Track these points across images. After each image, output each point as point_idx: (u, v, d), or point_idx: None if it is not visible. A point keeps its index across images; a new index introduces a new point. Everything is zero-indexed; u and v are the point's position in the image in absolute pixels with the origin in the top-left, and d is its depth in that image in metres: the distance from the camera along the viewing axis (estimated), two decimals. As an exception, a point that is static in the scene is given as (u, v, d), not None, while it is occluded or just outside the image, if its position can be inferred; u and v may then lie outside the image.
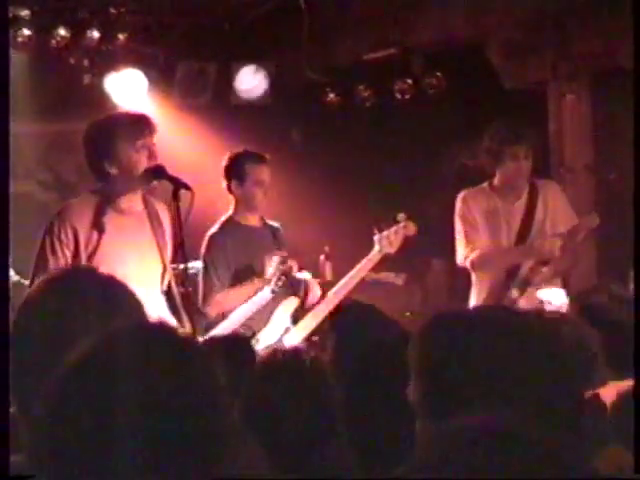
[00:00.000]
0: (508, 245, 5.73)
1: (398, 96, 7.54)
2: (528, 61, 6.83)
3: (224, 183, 5.82)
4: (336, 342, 3.71)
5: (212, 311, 5.53)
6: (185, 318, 4.69)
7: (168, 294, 4.82)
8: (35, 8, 6.66)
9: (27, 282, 5.63)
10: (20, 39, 6.63)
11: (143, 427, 1.55)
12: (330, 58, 7.68)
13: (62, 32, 6.78)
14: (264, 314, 5.61)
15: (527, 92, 6.99)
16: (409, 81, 7.46)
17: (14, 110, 5.34)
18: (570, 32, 6.55)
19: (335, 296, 5.72)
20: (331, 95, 7.72)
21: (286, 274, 5.45)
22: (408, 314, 6.91)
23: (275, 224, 5.96)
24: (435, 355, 2.02)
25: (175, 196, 4.75)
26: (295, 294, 5.73)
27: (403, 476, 1.37)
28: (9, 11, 6.22)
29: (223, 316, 5.57)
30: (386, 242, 5.74)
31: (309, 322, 5.60)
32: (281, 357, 2.86)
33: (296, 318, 5.68)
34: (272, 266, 5.46)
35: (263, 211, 5.87)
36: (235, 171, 5.78)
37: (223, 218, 5.83)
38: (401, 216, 5.79)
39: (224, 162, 5.83)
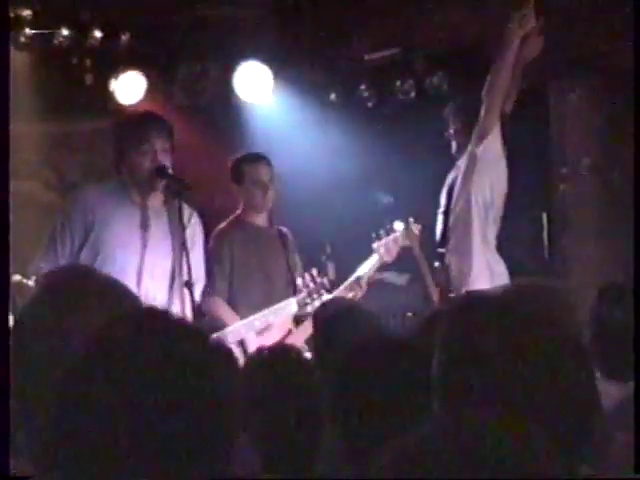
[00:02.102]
0: None
1: (400, 96, 7.53)
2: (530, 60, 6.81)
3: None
4: (319, 339, 3.72)
5: (205, 306, 5.52)
6: (188, 318, 4.72)
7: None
8: (37, 8, 6.66)
9: (29, 282, 5.65)
10: (22, 39, 6.63)
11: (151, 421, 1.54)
12: (332, 58, 7.68)
13: (64, 32, 6.78)
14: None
15: (529, 92, 6.99)
16: (411, 81, 7.45)
17: (17, 110, 5.37)
18: (572, 31, 6.55)
19: None
20: (332, 95, 7.71)
21: (325, 288, 5.45)
22: (410, 314, 6.91)
23: (283, 229, 6.00)
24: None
25: (177, 196, 4.81)
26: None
27: (396, 475, 1.36)
28: (11, 11, 6.23)
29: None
30: (384, 250, 5.78)
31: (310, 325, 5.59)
32: (266, 356, 2.86)
33: (298, 321, 5.69)
34: (305, 278, 5.49)
35: (268, 211, 5.92)
36: (234, 174, 5.91)
37: (232, 216, 5.90)
38: (399, 224, 5.82)
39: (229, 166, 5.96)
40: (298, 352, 3.07)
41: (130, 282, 4.68)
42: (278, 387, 2.75)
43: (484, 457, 1.29)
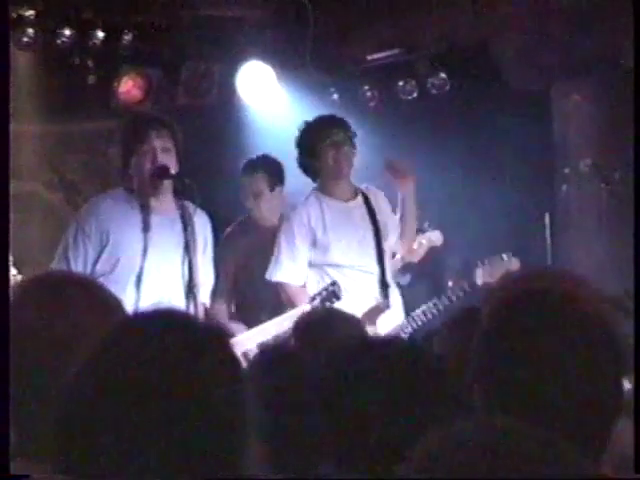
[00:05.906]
0: None
1: (402, 97, 7.53)
2: (532, 61, 6.82)
3: None
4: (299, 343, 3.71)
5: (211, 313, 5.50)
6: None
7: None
8: (40, 8, 6.67)
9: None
10: (25, 39, 6.64)
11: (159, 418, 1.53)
12: (334, 58, 7.68)
13: (67, 32, 6.79)
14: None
15: (531, 92, 6.99)
16: (413, 82, 7.45)
17: (19, 110, 5.38)
18: (574, 32, 6.54)
19: None
20: (335, 95, 7.72)
21: (337, 296, 5.41)
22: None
23: None
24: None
25: (180, 196, 4.79)
26: None
27: (403, 476, 1.36)
28: (14, 11, 6.25)
29: None
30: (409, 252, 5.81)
31: None
32: (270, 356, 2.85)
33: None
34: (319, 285, 5.46)
35: (270, 215, 5.90)
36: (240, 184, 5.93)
37: (241, 217, 5.92)
38: (426, 226, 5.80)
39: None
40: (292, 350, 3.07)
41: (131, 285, 4.67)
42: (282, 386, 2.75)
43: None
